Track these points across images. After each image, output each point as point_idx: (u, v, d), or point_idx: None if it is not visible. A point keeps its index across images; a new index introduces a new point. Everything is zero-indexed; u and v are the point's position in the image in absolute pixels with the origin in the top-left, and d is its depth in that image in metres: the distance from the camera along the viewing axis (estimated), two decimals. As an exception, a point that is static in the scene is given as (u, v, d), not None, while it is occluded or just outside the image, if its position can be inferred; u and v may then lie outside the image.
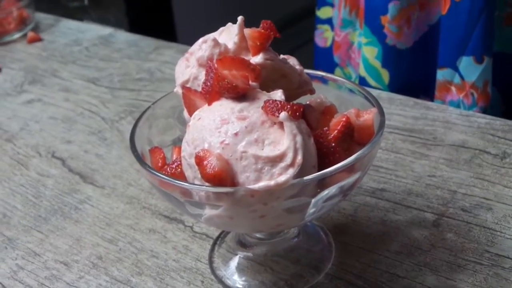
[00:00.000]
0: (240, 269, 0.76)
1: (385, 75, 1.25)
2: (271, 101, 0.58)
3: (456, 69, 1.14)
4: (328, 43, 1.46)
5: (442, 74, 1.17)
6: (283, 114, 0.57)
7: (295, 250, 0.76)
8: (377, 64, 1.24)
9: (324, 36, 1.48)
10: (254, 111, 0.59)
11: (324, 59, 1.48)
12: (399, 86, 1.23)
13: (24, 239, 0.86)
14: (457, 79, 1.14)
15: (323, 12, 1.46)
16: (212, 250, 0.80)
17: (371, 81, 1.26)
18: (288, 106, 0.58)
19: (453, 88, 1.15)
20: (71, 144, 1.08)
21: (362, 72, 1.28)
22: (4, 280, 0.79)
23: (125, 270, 0.78)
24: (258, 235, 0.75)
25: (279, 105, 0.58)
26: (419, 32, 1.21)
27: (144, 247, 0.82)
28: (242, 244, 0.78)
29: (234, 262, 0.77)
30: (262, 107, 0.59)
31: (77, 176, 0.99)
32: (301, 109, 0.58)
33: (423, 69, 1.24)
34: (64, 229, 0.87)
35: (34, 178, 0.99)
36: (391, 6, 1.17)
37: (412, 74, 1.25)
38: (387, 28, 1.19)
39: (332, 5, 1.42)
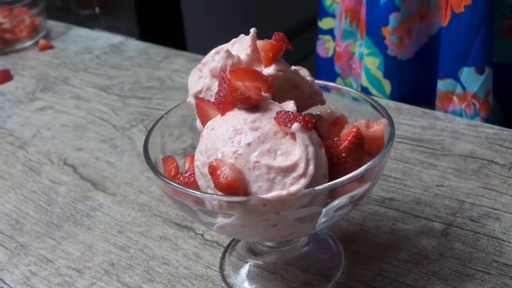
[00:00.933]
0: (250, 277, 0.77)
1: (387, 85, 1.26)
2: (283, 112, 0.59)
3: (457, 79, 1.15)
4: (330, 53, 1.48)
5: (443, 85, 1.18)
6: (295, 125, 0.58)
7: (305, 258, 0.77)
8: (379, 74, 1.25)
9: (325, 47, 1.49)
10: (266, 121, 0.60)
11: (325, 69, 1.49)
12: (400, 96, 1.24)
13: (37, 246, 0.87)
14: (458, 89, 1.15)
15: (325, 23, 1.47)
16: (223, 257, 0.81)
17: (373, 91, 1.27)
18: (300, 117, 0.59)
19: (455, 98, 1.16)
20: (83, 152, 1.09)
21: (364, 82, 1.29)
22: (17, 286, 0.80)
23: (137, 277, 0.79)
24: (268, 243, 0.76)
25: (291, 116, 0.59)
26: (419, 43, 1.22)
27: (155, 254, 0.83)
28: (253, 252, 0.78)
29: (245, 269, 0.78)
30: (275, 118, 0.60)
31: (89, 183, 1.00)
32: (313, 120, 0.59)
33: (424, 79, 1.25)
34: (76, 235, 0.88)
35: (46, 185, 1.01)
36: (391, 18, 1.18)
37: (413, 84, 1.26)
38: (388, 39, 1.21)
39: (333, 16, 1.44)
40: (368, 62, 1.26)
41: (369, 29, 1.24)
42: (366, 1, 1.24)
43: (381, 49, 1.22)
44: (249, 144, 0.59)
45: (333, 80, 1.43)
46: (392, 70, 1.24)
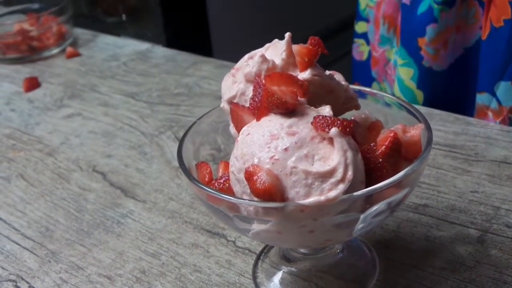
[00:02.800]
0: (284, 284, 0.76)
1: (420, 96, 1.25)
2: (321, 117, 0.59)
3: (493, 94, 1.13)
4: (364, 57, 1.47)
5: (481, 98, 1.16)
6: (333, 130, 0.57)
7: (339, 265, 0.76)
8: (412, 85, 1.24)
9: (360, 50, 1.49)
10: (303, 126, 0.60)
11: (361, 73, 1.49)
12: (432, 107, 1.23)
13: (67, 253, 0.87)
14: (494, 104, 1.14)
15: (360, 27, 1.47)
16: (255, 265, 0.80)
17: None
18: (338, 122, 0.58)
19: (489, 113, 1.15)
20: (112, 159, 1.09)
21: (397, 92, 1.28)
22: (49, 293, 0.80)
23: (169, 285, 0.79)
24: (302, 250, 0.75)
25: (329, 121, 0.58)
26: (454, 55, 1.21)
27: (187, 262, 0.82)
28: (286, 259, 0.78)
29: (278, 277, 0.77)
30: (312, 123, 0.59)
31: (118, 190, 0.99)
32: (351, 125, 0.58)
33: (458, 91, 1.24)
34: (107, 243, 0.88)
35: (76, 192, 1.00)
36: (429, 29, 1.17)
37: (447, 96, 1.25)
38: (424, 50, 1.20)
39: (367, 20, 1.43)
40: (402, 73, 1.25)
41: (404, 40, 1.23)
42: (402, 11, 1.23)
43: (416, 59, 1.21)
44: (286, 149, 0.58)
45: (369, 84, 1.43)
46: (425, 81, 1.23)
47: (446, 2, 1.15)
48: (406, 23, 1.22)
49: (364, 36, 1.46)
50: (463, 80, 1.22)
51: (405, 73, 1.24)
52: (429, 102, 1.24)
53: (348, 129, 0.58)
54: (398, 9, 1.29)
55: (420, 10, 1.18)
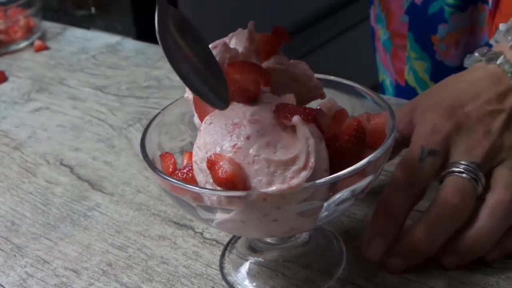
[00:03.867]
0: (251, 274, 0.76)
1: None
2: (283, 105, 0.58)
3: None
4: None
5: None
6: (295, 118, 0.57)
7: (306, 255, 0.76)
8: (426, 77, 1.26)
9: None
10: (266, 115, 0.59)
11: (373, 39, 1.50)
12: None
13: (33, 247, 0.86)
14: None
15: None
16: (222, 256, 0.79)
17: (420, 92, 1.27)
18: (301, 110, 0.58)
19: None
20: (79, 152, 1.08)
21: (412, 83, 1.29)
22: (14, 288, 0.79)
23: (135, 277, 0.78)
24: (269, 240, 0.74)
25: (292, 109, 0.58)
26: (466, 54, 1.22)
27: (154, 254, 0.82)
28: (253, 250, 0.77)
29: (245, 267, 0.77)
30: (274, 111, 0.59)
31: (86, 183, 0.99)
32: (313, 113, 0.58)
33: None
34: (73, 236, 0.87)
35: (43, 186, 0.99)
36: (440, 28, 1.18)
37: None
38: (437, 46, 1.21)
39: None
40: (416, 66, 1.26)
41: (417, 37, 1.24)
42: (410, 10, 1.24)
43: (429, 54, 1.23)
44: (248, 138, 0.58)
45: (374, 53, 1.44)
46: (438, 74, 1.24)
47: (457, 6, 1.15)
48: (417, 22, 1.23)
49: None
50: None
51: (419, 66, 1.26)
52: None
53: (310, 117, 0.58)
54: None
55: (431, 10, 1.19)
